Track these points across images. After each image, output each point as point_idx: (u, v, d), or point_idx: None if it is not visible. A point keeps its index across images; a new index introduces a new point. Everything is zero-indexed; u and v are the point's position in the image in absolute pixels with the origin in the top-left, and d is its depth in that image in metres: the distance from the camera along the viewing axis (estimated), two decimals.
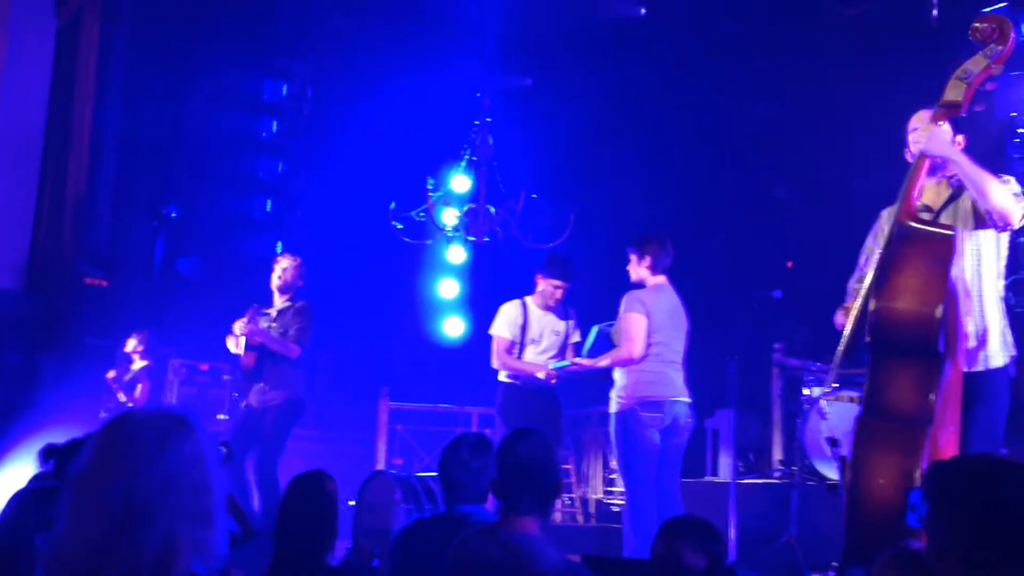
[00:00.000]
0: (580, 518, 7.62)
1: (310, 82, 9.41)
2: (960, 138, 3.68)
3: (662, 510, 5.09)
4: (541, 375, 5.90)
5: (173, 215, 7.10)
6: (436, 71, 8.77)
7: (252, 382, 6.21)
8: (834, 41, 7.30)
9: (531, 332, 6.09)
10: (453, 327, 8.77)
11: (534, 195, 8.83)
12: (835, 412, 5.99)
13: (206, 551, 1.72)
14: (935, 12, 6.76)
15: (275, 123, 9.36)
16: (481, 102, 8.86)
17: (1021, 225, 3.58)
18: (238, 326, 6.18)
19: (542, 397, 5.97)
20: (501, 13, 8.39)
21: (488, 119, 8.87)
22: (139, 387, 7.29)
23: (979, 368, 3.63)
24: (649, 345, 5.32)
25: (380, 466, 7.49)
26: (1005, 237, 3.70)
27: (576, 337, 6.11)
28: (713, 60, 7.98)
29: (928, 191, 3.72)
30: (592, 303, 6.47)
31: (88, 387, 7.18)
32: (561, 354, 6.04)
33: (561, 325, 6.13)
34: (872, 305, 3.39)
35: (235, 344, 6.26)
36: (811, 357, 6.59)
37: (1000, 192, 3.50)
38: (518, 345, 6.07)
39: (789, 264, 7.85)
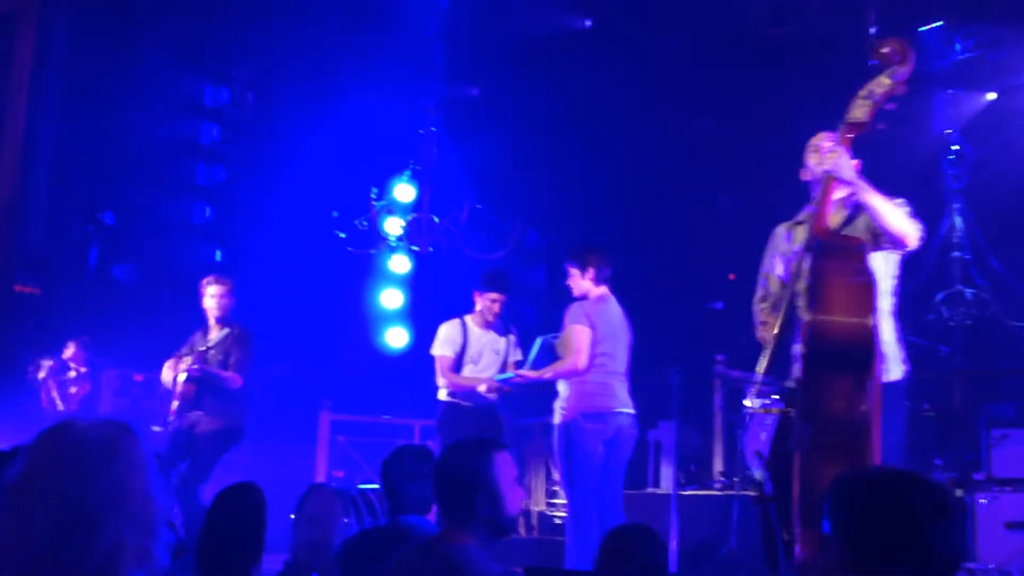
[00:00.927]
0: (522, 530, 7.59)
1: (252, 88, 9.29)
2: (855, 162, 3.77)
3: (604, 522, 5.08)
4: (482, 389, 5.88)
5: (109, 221, 6.93)
6: (382, 79, 8.72)
7: (190, 410, 6.07)
8: (774, 55, 7.40)
9: (470, 351, 6.06)
10: (396, 338, 8.69)
11: (479, 206, 8.83)
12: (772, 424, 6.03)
13: (149, 561, 1.67)
14: (872, 30, 6.89)
15: (216, 129, 9.21)
16: (427, 111, 8.84)
17: (915, 246, 3.73)
18: (181, 366, 6.00)
19: (482, 415, 5.95)
20: (448, 23, 8.37)
21: (433, 129, 8.84)
22: (74, 393, 7.10)
23: (881, 380, 3.68)
24: (593, 356, 5.31)
25: (321, 479, 7.38)
26: (895, 258, 3.84)
27: (517, 355, 6.09)
28: (658, 73, 8.03)
29: (832, 215, 3.83)
30: (536, 314, 6.47)
31: (19, 395, 6.98)
32: (501, 372, 6.03)
33: (501, 343, 6.12)
34: (807, 318, 3.46)
35: (171, 375, 6.06)
36: (753, 369, 6.63)
37: (900, 215, 3.66)
38: (458, 363, 6.05)
39: (731, 276, 7.91)
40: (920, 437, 6.60)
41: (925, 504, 1.92)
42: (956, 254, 7.58)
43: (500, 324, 6.14)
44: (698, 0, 7.42)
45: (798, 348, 3.58)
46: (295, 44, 8.57)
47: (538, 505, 7.79)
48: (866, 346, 3.43)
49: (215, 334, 6.16)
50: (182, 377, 5.94)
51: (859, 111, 3.59)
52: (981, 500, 5.54)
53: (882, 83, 3.58)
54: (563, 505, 5.93)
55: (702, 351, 7.00)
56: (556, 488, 7.48)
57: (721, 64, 7.77)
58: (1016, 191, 7.41)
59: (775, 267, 4.02)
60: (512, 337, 6.17)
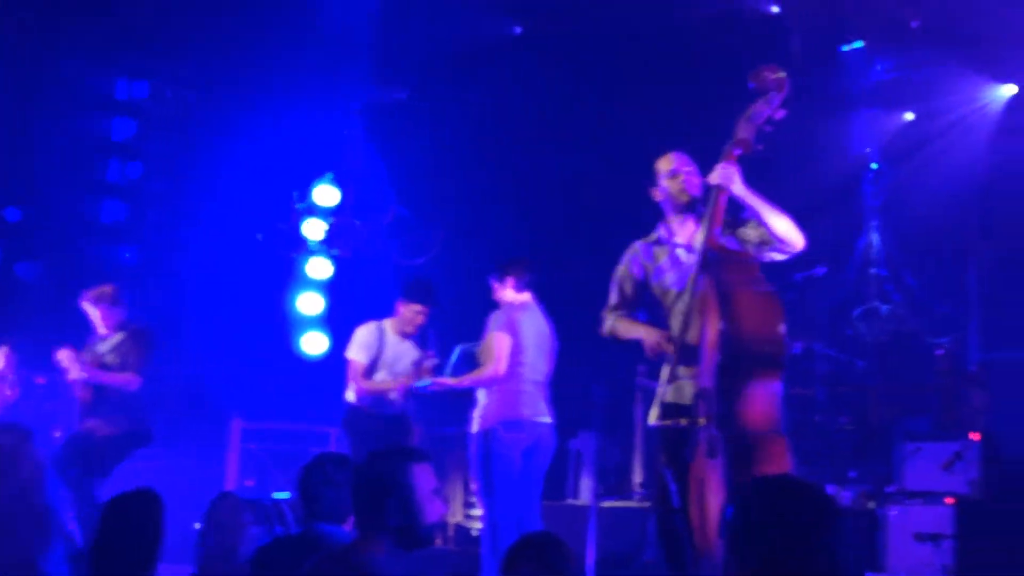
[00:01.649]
0: (439, 541, 7.48)
1: (172, 83, 9.02)
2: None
3: (522, 532, 5.03)
4: (393, 396, 5.81)
5: (12, 218, 6.66)
6: (307, 80, 8.55)
7: (88, 415, 5.86)
8: (704, 70, 7.44)
9: (385, 357, 5.98)
10: (315, 343, 8.51)
11: (402, 211, 8.72)
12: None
13: (51, 564, 1.59)
14: (797, 48, 6.99)
15: (132, 124, 8.91)
16: (352, 114, 8.70)
17: (800, 248, 3.90)
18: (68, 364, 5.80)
19: (389, 422, 5.88)
20: (377, 26, 8.25)
21: (359, 131, 8.71)
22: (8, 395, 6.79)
23: None
24: (513, 365, 5.26)
25: (231, 487, 7.19)
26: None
27: (430, 362, 6.00)
28: (589, 84, 8.02)
29: (687, 230, 4.03)
30: (459, 321, 6.38)
31: None
32: (415, 381, 5.95)
33: (416, 354, 6.04)
34: (719, 328, 3.54)
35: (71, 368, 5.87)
36: None
37: (787, 222, 3.83)
38: (371, 369, 5.96)
39: None
40: (836, 449, 6.70)
41: (815, 514, 1.93)
42: (873, 270, 7.74)
43: (418, 335, 6.07)
44: (632, 14, 7.44)
45: (713, 359, 3.59)
46: (219, 41, 8.35)
47: (455, 516, 7.69)
48: (779, 353, 3.57)
49: (112, 338, 5.99)
50: (77, 377, 5.76)
51: (743, 131, 3.83)
52: (893, 512, 5.62)
53: (761, 107, 3.82)
54: (480, 516, 5.84)
55: (624, 362, 6.99)
56: (473, 499, 7.39)
57: (652, 77, 7.80)
58: (931, 210, 7.58)
59: (631, 278, 4.16)
60: (430, 351, 6.09)
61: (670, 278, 4.03)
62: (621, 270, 4.23)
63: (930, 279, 7.63)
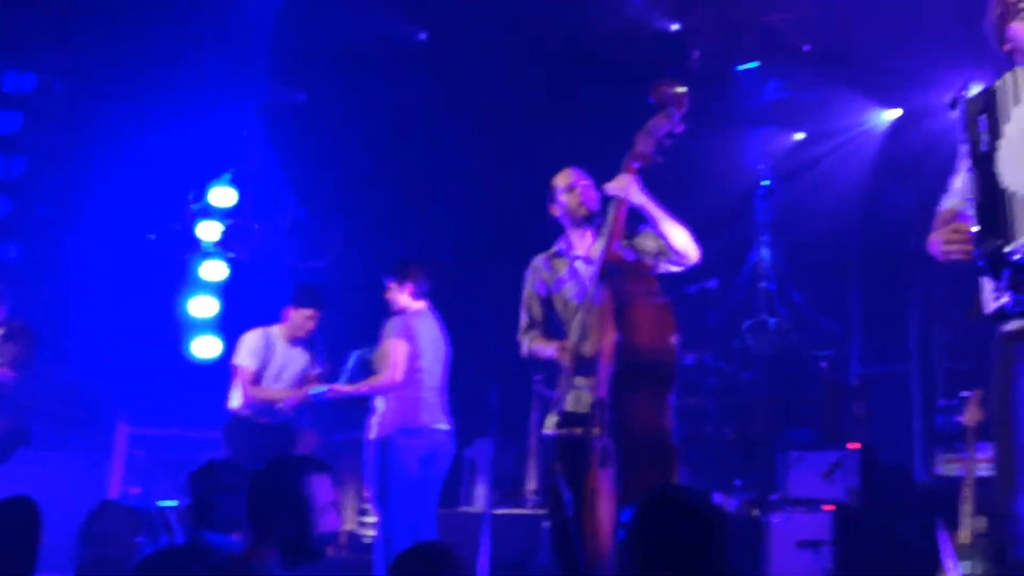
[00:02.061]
0: (330, 549, 7.39)
1: (62, 76, 8.71)
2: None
3: (417, 541, 5.01)
4: (281, 405, 5.74)
5: None
6: (205, 78, 8.36)
7: None
8: (609, 82, 7.55)
9: (273, 365, 5.90)
10: (207, 347, 8.31)
11: (301, 213, 8.60)
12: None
13: None
14: (695, 64, 7.16)
15: (17, 117, 8.56)
16: (251, 114, 8.54)
17: (696, 260, 3.99)
18: None
19: (275, 431, 5.79)
20: (278, 25, 8.12)
21: (257, 132, 8.56)
22: None
23: None
24: (410, 371, 5.25)
25: (115, 495, 6.97)
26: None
27: (317, 370, 5.94)
28: (493, 91, 8.05)
29: (586, 242, 4.09)
30: (356, 327, 6.34)
31: None
32: (300, 387, 5.89)
33: (306, 360, 5.97)
34: (613, 338, 3.59)
35: None
36: None
37: (684, 233, 3.92)
38: (258, 376, 5.86)
39: None
40: (722, 459, 6.87)
41: (703, 525, 1.99)
42: (763, 285, 7.96)
43: (307, 342, 6.00)
44: (536, 27, 7.50)
45: (607, 369, 3.64)
46: (113, 35, 8.10)
47: (348, 523, 7.61)
48: (671, 364, 3.63)
49: None
50: None
51: (642, 144, 3.87)
52: (776, 519, 5.79)
53: (660, 121, 3.87)
54: (374, 523, 5.80)
55: (520, 369, 7.03)
56: (367, 506, 7.33)
57: (555, 88, 7.88)
58: (818, 228, 7.84)
59: (537, 296, 4.21)
60: (317, 355, 6.03)
61: (570, 290, 4.09)
62: (526, 292, 4.28)
63: (815, 295, 7.90)
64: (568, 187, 4.15)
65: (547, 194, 4.23)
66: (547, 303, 4.18)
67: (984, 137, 2.67)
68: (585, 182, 4.13)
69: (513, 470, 7.56)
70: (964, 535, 4.77)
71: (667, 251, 3.93)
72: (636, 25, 7.55)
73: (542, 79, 7.79)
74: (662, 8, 7.23)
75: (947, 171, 3.03)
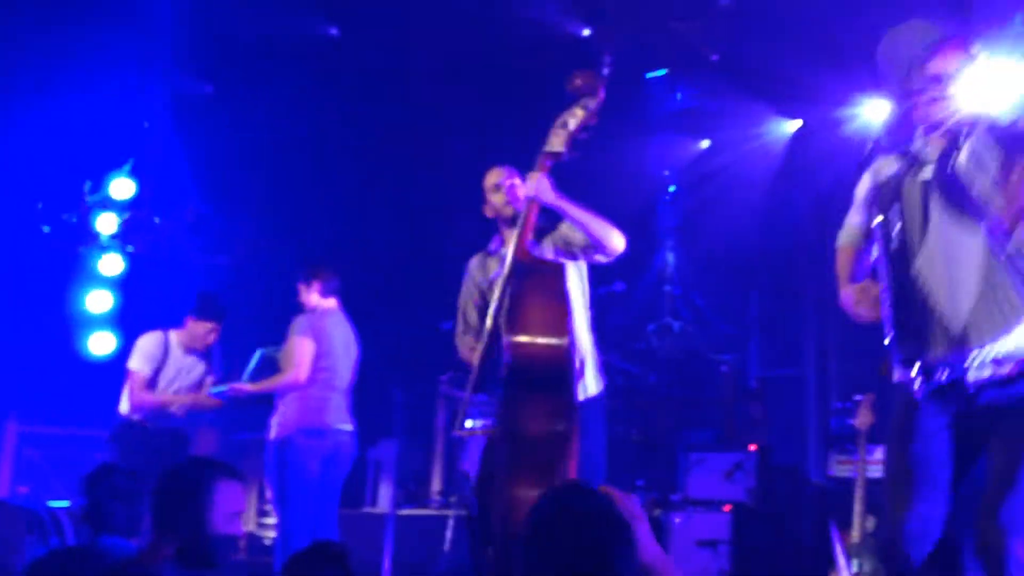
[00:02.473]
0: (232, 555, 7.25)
1: None
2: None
3: (335, 542, 4.96)
4: (175, 408, 5.61)
5: None
6: (106, 65, 8.09)
7: None
8: (521, 86, 7.57)
9: (168, 370, 5.75)
10: (102, 344, 8.05)
11: (205, 208, 8.40)
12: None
13: None
14: (606, 71, 7.22)
15: None
16: (154, 104, 8.31)
17: (621, 250, 3.92)
18: None
19: (166, 436, 5.65)
20: (186, 14, 7.91)
21: (161, 123, 8.33)
22: None
23: (580, 397, 3.81)
24: (315, 371, 5.18)
25: (3, 494, 6.71)
26: (585, 270, 4.02)
27: (211, 380, 5.82)
28: (405, 90, 8.00)
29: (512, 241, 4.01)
30: (260, 324, 6.23)
31: None
32: (196, 392, 5.76)
33: (202, 368, 5.84)
34: (506, 339, 3.56)
35: None
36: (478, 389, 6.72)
37: (602, 224, 3.85)
38: (153, 381, 5.72)
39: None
40: (624, 459, 6.97)
41: (603, 524, 1.97)
42: (667, 288, 8.10)
43: (204, 351, 5.87)
44: (453, 25, 7.48)
45: (505, 368, 3.65)
46: (10, 19, 7.79)
47: (248, 525, 7.47)
48: (562, 366, 3.57)
49: None
50: None
51: (556, 140, 3.79)
52: (676, 519, 5.90)
53: (576, 114, 3.79)
54: (274, 525, 5.71)
55: (429, 370, 7.01)
56: (268, 507, 7.21)
57: (468, 87, 7.87)
58: (720, 235, 8.00)
59: (472, 297, 4.15)
60: (212, 373, 5.90)
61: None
62: (461, 296, 4.23)
63: (717, 300, 8.07)
64: (495, 186, 4.12)
65: (460, 185, 4.19)
66: (484, 302, 4.08)
67: (897, 230, 2.76)
68: (511, 181, 4.07)
69: (418, 470, 7.54)
70: (855, 534, 4.94)
71: (591, 244, 3.87)
72: (549, 28, 7.59)
73: (454, 78, 7.77)
74: (574, 13, 7.29)
75: (842, 183, 3.10)
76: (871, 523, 4.96)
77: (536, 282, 3.68)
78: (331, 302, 5.39)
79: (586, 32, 7.47)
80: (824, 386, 7.68)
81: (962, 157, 2.72)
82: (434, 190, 8.28)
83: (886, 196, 2.81)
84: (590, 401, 3.87)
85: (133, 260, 8.22)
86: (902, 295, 2.75)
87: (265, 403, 5.36)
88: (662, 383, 7.50)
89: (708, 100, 8.07)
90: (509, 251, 3.88)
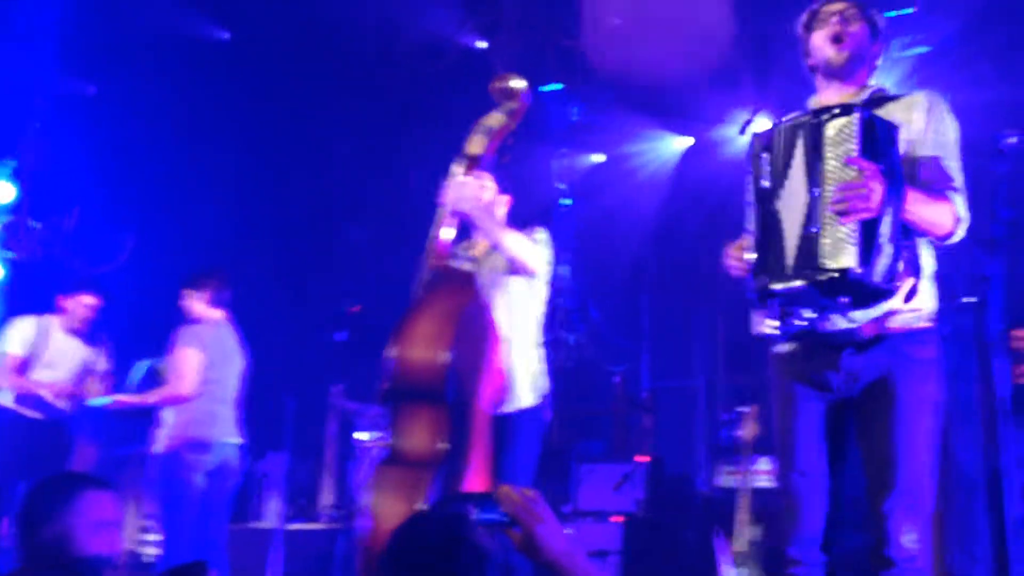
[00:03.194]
0: (107, 573, 6.99)
1: None
2: (505, 198, 3.93)
3: (204, 559, 4.83)
4: (49, 396, 5.38)
5: None
6: None
7: None
8: (415, 93, 7.56)
9: (47, 354, 5.51)
10: None
11: (89, 214, 8.12)
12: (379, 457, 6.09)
13: None
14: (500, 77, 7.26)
15: None
16: (34, 104, 8.00)
17: (542, 272, 3.83)
18: None
19: (47, 429, 5.42)
20: (70, 13, 7.65)
21: (43, 125, 8.02)
22: None
23: (507, 409, 3.75)
24: (202, 383, 5.05)
25: None
26: (540, 285, 3.91)
27: (103, 365, 5.58)
28: (295, 96, 7.89)
29: (479, 244, 3.90)
30: (145, 335, 6.04)
31: None
32: (82, 383, 5.53)
33: (86, 352, 5.61)
34: (390, 352, 3.42)
35: None
36: (370, 401, 6.67)
37: (517, 243, 3.71)
38: (26, 365, 5.47)
39: (354, 309, 7.94)
40: None
41: (449, 549, 1.88)
42: (561, 301, 8.18)
43: (89, 333, 5.63)
44: (346, 29, 7.41)
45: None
46: None
47: (128, 542, 7.23)
48: (437, 382, 3.35)
49: None
50: None
51: (475, 145, 3.64)
52: (567, 530, 5.93)
53: (497, 118, 3.64)
54: (157, 542, 5.54)
55: (320, 381, 6.92)
56: (150, 523, 6.99)
57: (363, 95, 7.81)
58: (614, 249, 8.13)
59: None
60: (102, 349, 5.66)
61: None
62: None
63: (611, 312, 8.18)
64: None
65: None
66: None
67: (766, 174, 2.77)
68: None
69: (308, 484, 7.41)
70: (740, 543, 5.05)
71: (507, 261, 3.73)
72: (444, 39, 7.60)
73: (346, 84, 7.71)
74: (470, 24, 7.31)
75: (730, 198, 3.17)
76: (756, 532, 5.07)
77: (439, 293, 3.51)
78: (219, 313, 5.26)
79: (482, 44, 7.51)
80: (713, 397, 7.86)
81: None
82: (325, 196, 8.19)
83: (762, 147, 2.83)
84: (519, 414, 3.79)
85: (13, 267, 7.89)
86: (764, 233, 2.74)
87: (148, 416, 5.19)
88: (556, 395, 7.54)
89: (603, 115, 8.18)
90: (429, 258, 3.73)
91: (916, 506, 2.68)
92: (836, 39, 2.91)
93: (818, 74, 2.99)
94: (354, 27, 7.33)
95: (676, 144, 8.25)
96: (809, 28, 2.98)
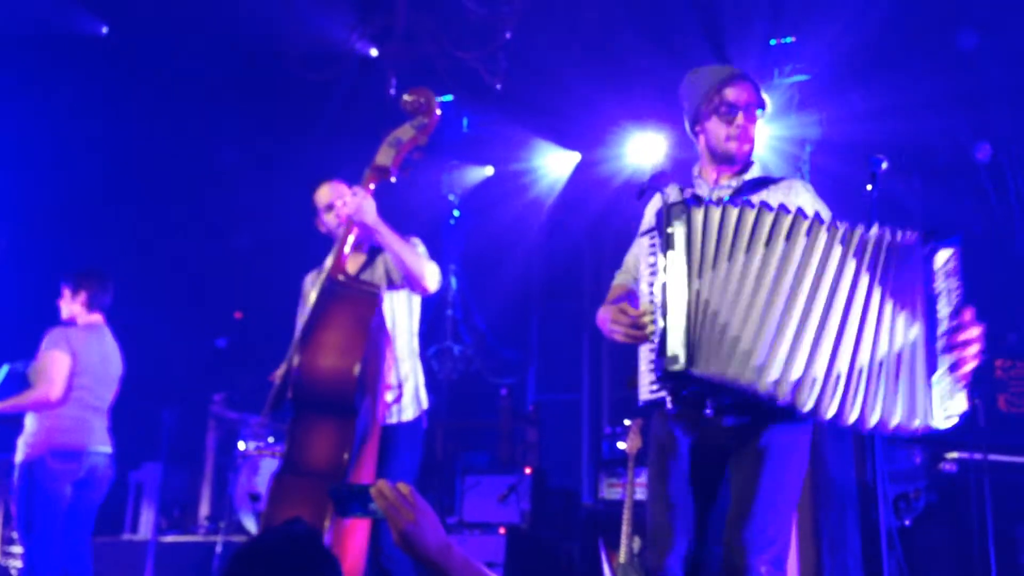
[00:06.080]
0: None
1: None
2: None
3: (68, 573, 4.62)
4: None
5: None
6: None
7: None
8: (304, 99, 7.43)
9: None
10: None
11: None
12: (267, 467, 5.96)
13: None
14: (392, 90, 7.23)
15: None
16: None
17: (435, 287, 3.82)
18: None
19: None
20: None
21: None
22: None
23: (393, 421, 3.78)
24: (70, 388, 4.82)
25: None
26: (417, 298, 3.95)
27: None
28: (179, 98, 7.65)
29: (349, 260, 3.87)
30: (10, 336, 5.75)
31: None
32: None
33: None
34: (295, 361, 3.38)
35: None
36: (252, 410, 6.51)
37: (418, 259, 3.73)
38: None
39: (238, 315, 7.74)
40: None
41: (307, 564, 1.81)
42: (449, 312, 8.16)
43: None
44: (231, 32, 7.23)
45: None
46: None
47: None
48: (348, 394, 3.34)
49: None
50: None
51: (384, 157, 3.66)
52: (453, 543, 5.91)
53: (407, 131, 3.68)
54: (21, 554, 5.26)
55: (199, 390, 6.71)
56: (14, 535, 6.66)
57: (248, 98, 7.64)
58: (503, 262, 8.16)
59: (303, 315, 3.90)
60: None
61: None
62: (299, 314, 4.00)
63: (499, 324, 8.20)
64: (328, 207, 3.94)
65: (313, 211, 4.00)
66: None
67: (671, 251, 2.59)
68: (342, 201, 3.80)
69: (184, 495, 7.18)
70: (622, 554, 5.11)
71: (403, 276, 3.73)
72: (333, 44, 7.50)
73: (232, 86, 7.52)
74: (360, 31, 7.23)
75: (615, 213, 3.17)
76: (637, 543, 5.14)
77: (344, 303, 3.47)
78: (95, 317, 5.04)
79: (373, 52, 7.44)
80: (598, 411, 7.95)
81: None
82: (208, 199, 7.97)
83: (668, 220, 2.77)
84: (403, 425, 3.79)
85: None
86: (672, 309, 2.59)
87: (11, 423, 4.93)
88: (441, 406, 7.53)
89: (493, 128, 8.22)
90: (324, 271, 3.69)
91: (772, 540, 2.64)
92: (740, 138, 2.86)
93: (707, 150, 2.93)
94: (240, 28, 7.17)
95: (564, 158, 8.34)
96: (708, 111, 2.88)
